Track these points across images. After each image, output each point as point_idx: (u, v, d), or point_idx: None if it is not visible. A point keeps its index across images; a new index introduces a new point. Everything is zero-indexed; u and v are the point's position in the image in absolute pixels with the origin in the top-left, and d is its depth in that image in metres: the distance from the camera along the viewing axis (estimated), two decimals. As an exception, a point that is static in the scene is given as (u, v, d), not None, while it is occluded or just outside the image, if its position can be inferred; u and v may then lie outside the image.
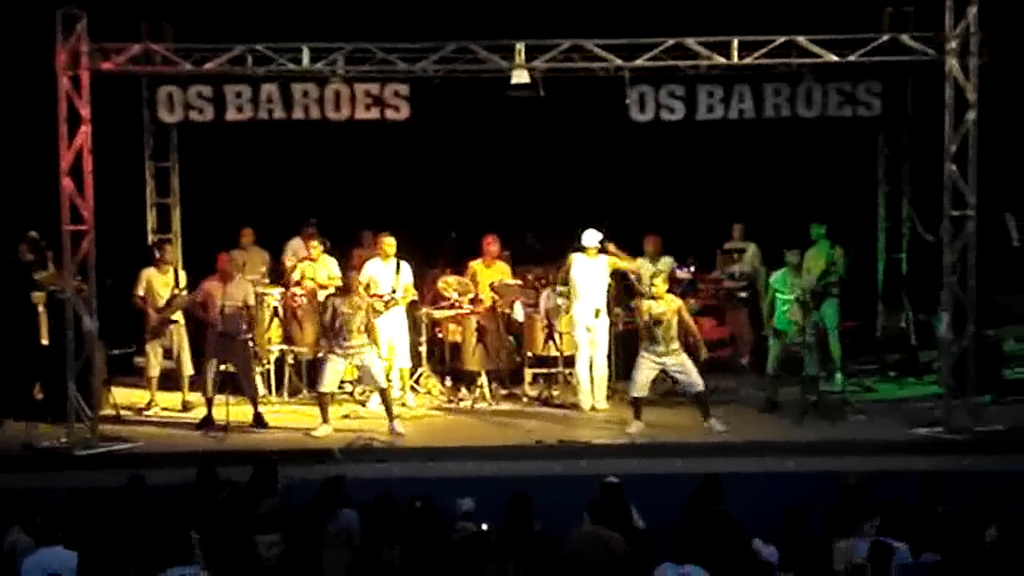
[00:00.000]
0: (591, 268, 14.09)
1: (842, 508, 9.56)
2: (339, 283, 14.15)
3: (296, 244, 15.56)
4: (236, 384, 13.81)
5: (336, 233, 15.60)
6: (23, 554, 9.11)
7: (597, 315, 14.11)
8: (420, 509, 9.74)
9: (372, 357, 13.46)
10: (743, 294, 15.59)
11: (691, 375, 13.32)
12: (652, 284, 13.50)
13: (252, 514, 10.00)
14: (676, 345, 13.32)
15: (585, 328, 14.12)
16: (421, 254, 15.27)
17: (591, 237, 14.08)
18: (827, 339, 14.73)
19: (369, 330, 13.39)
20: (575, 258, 14.12)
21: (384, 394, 13.49)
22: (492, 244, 15.00)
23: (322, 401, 13.46)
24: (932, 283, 13.70)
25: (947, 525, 9.01)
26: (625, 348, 14.61)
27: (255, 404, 13.79)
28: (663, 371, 13.45)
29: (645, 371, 13.35)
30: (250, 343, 13.96)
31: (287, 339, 14.75)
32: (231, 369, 13.78)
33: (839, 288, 14.85)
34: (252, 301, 13.96)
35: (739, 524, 9.37)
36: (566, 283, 14.18)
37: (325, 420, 13.39)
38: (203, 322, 13.83)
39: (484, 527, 9.72)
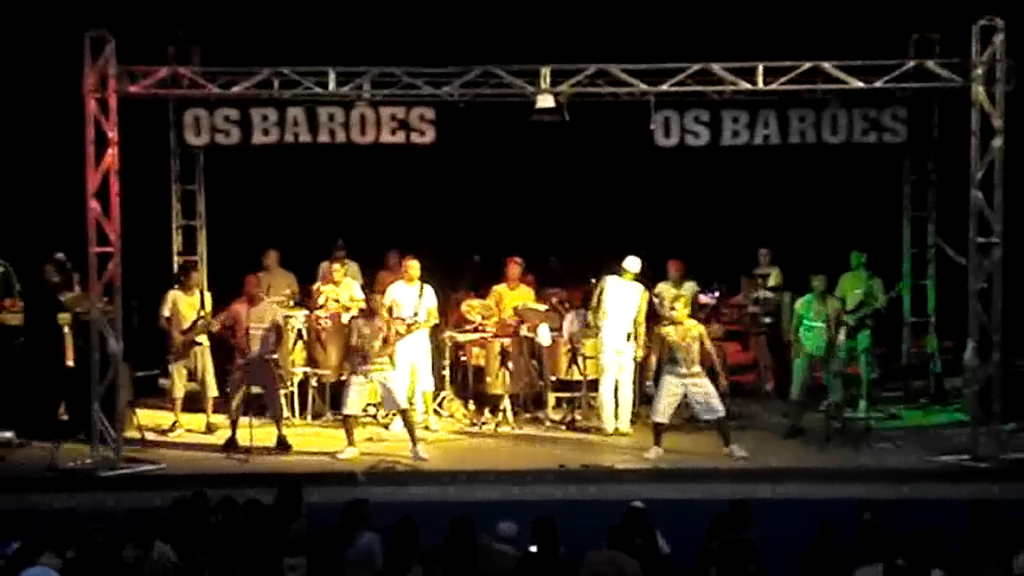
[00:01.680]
0: (625, 292, 14.07)
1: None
2: (361, 305, 14.18)
3: (327, 267, 15.57)
4: (260, 406, 13.84)
5: (361, 256, 15.66)
6: None
7: (629, 339, 14.09)
8: (454, 531, 9.73)
9: (394, 378, 13.48)
10: (767, 319, 15.54)
11: (711, 400, 13.28)
12: (673, 308, 13.49)
13: (279, 536, 10.00)
14: (697, 368, 13.30)
15: (614, 351, 14.10)
16: (445, 277, 15.28)
17: (633, 263, 14.06)
18: (857, 365, 14.69)
19: (389, 352, 13.43)
20: (609, 280, 14.11)
21: (406, 416, 13.49)
22: (515, 267, 14.99)
23: (347, 424, 13.46)
24: (959, 310, 13.64)
25: (977, 552, 8.98)
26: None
27: (279, 426, 13.79)
28: (684, 396, 13.42)
29: (667, 395, 13.31)
30: (276, 364, 13.99)
31: (311, 362, 14.79)
32: (257, 391, 13.81)
33: (874, 319, 14.78)
34: (280, 322, 14.00)
35: (761, 550, 9.34)
36: (598, 305, 14.14)
37: (351, 443, 13.39)
38: (230, 343, 13.87)
39: (533, 549, 9.66)
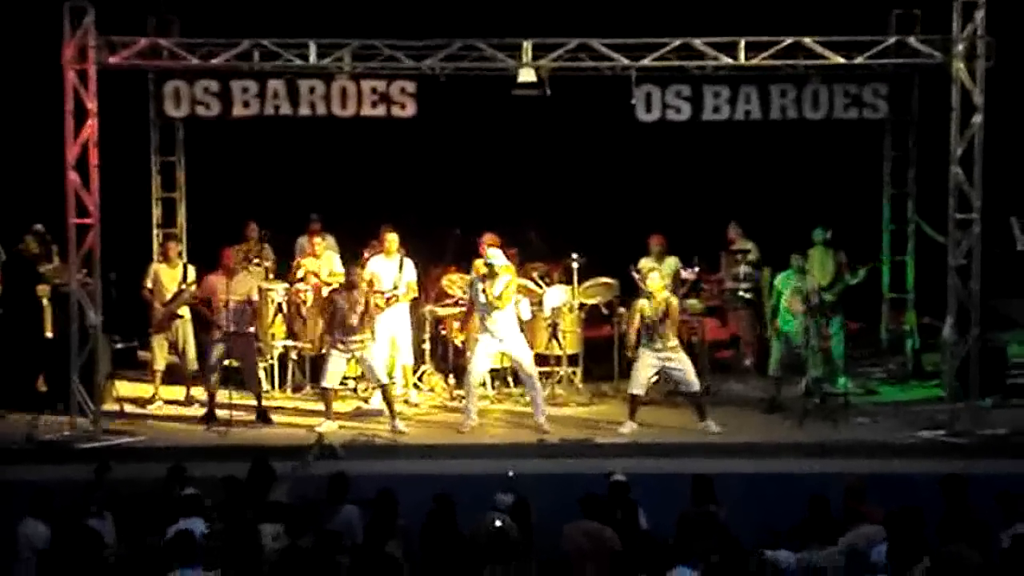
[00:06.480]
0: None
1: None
2: (340, 279, 14.17)
3: (305, 241, 15.53)
4: (239, 379, 13.83)
5: (341, 230, 15.62)
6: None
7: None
8: (435, 507, 9.78)
9: (373, 353, 13.46)
10: (747, 295, 15.56)
11: (687, 374, 13.31)
12: (646, 281, 13.48)
13: (256, 504, 10.05)
14: (674, 343, 13.32)
15: (493, 341, 13.53)
16: (426, 251, 15.26)
17: (493, 256, 13.52)
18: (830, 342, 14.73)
19: (369, 326, 13.41)
20: (474, 280, 13.64)
21: (385, 391, 13.48)
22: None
23: (325, 397, 13.46)
24: (937, 286, 13.69)
25: (959, 531, 9.04)
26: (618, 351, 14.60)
27: (259, 399, 13.80)
28: (662, 370, 13.43)
29: (644, 368, 13.34)
30: (254, 338, 13.97)
31: (291, 334, 14.77)
32: (235, 364, 13.81)
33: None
34: (256, 296, 13.97)
35: (742, 526, 9.42)
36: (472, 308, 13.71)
37: (329, 416, 13.40)
38: (205, 316, 13.86)
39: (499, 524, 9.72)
